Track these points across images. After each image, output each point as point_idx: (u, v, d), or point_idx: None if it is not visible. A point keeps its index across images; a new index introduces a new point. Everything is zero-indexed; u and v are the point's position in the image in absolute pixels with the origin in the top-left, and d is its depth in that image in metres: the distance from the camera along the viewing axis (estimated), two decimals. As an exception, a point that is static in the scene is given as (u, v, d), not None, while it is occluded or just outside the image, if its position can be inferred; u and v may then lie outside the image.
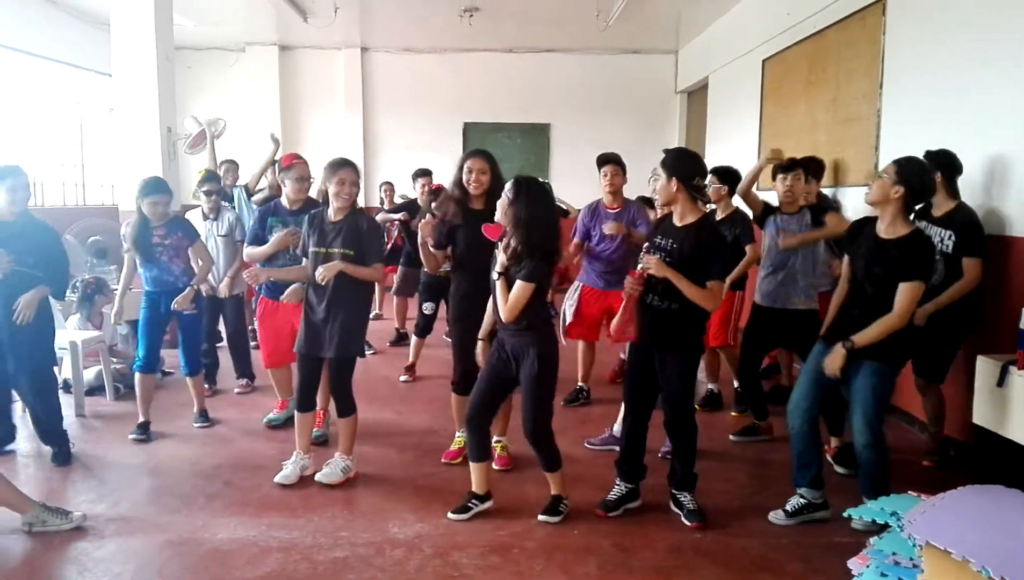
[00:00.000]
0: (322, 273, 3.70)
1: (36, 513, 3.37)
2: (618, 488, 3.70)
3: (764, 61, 7.73)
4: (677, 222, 3.50)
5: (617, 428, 4.45)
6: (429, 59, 11.23)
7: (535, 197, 3.36)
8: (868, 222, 3.49)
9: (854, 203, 5.63)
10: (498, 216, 3.42)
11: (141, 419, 4.68)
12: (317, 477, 3.94)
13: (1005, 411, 3.48)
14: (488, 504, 3.64)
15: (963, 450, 4.20)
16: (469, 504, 3.61)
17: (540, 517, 3.53)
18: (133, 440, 4.60)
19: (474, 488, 3.63)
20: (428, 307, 5.98)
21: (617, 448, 4.21)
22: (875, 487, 3.40)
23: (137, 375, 4.70)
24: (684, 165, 3.48)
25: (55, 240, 4.35)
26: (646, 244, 3.61)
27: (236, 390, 5.71)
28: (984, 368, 3.63)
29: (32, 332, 4.13)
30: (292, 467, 4.00)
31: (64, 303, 5.68)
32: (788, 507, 3.61)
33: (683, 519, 3.55)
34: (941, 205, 4.09)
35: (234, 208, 6.28)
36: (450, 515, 3.58)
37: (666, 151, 3.58)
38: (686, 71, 10.88)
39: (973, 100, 4.40)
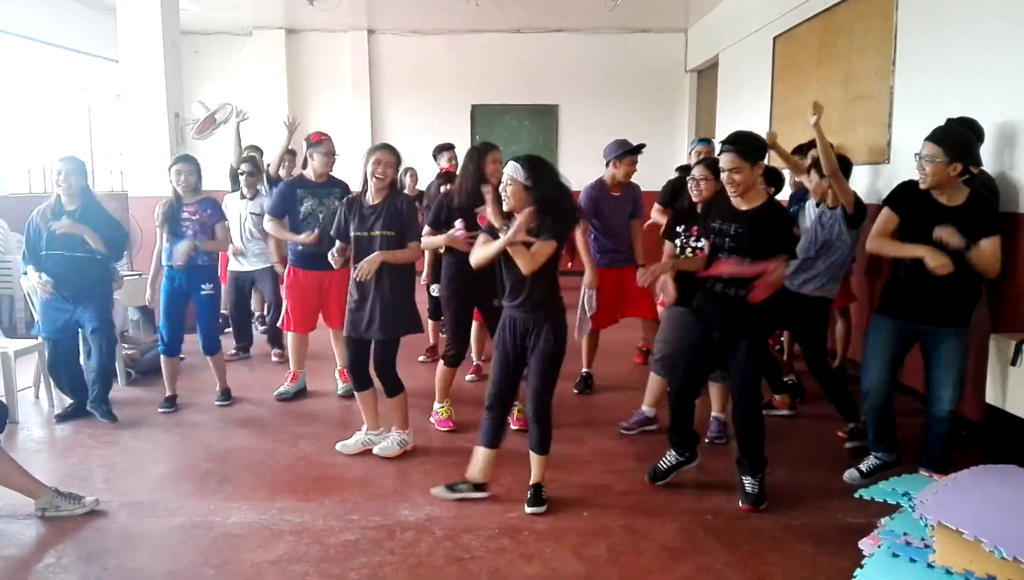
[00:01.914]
0: (365, 269, 3.80)
1: (49, 498, 3.40)
2: (668, 457, 3.73)
3: (775, 39, 7.63)
4: (743, 206, 3.40)
5: (646, 408, 4.47)
6: (436, 41, 11.15)
7: (540, 168, 3.36)
8: (914, 187, 3.45)
9: (866, 182, 5.57)
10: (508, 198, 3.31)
11: (168, 394, 4.97)
12: (375, 451, 4.08)
13: (1018, 390, 3.45)
14: (481, 495, 3.56)
15: (975, 430, 4.17)
16: (460, 485, 3.57)
17: (528, 510, 3.43)
18: (162, 413, 4.86)
19: (473, 474, 3.56)
20: (436, 289, 6.04)
21: (651, 428, 4.48)
22: (942, 457, 3.55)
23: (163, 358, 4.95)
24: (760, 149, 3.43)
25: (111, 220, 4.71)
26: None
27: (274, 358, 6.14)
28: (998, 346, 3.60)
29: (101, 305, 4.70)
30: (355, 440, 4.17)
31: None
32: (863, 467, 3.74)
33: (739, 502, 3.52)
34: None
35: (269, 193, 6.34)
36: (433, 490, 3.58)
37: (733, 140, 3.38)
38: (696, 49, 10.76)
39: (990, 76, 4.32)
